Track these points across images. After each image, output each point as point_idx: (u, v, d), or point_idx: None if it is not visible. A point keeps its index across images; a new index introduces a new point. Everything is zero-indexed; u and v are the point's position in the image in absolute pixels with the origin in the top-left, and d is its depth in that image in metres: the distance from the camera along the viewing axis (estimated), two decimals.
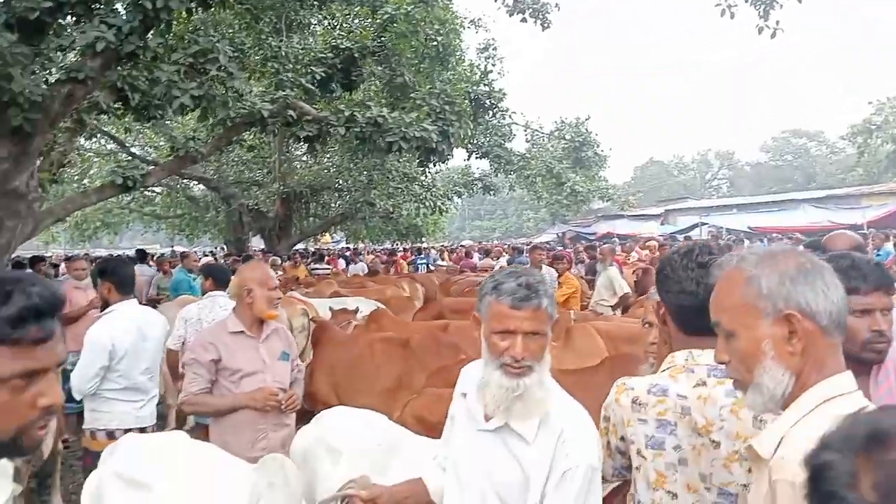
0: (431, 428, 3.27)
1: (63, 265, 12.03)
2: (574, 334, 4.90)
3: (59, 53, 8.14)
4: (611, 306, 8.80)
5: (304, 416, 3.42)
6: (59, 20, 7.59)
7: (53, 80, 7.41)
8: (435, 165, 12.78)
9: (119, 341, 3.69)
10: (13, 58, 6.80)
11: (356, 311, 6.52)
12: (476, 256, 20.18)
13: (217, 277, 5.34)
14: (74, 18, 7.56)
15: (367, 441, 2.88)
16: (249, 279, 3.42)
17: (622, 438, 1.86)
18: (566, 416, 1.79)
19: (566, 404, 1.83)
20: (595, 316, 7.48)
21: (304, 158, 20.44)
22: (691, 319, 1.78)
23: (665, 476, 1.76)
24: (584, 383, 3.20)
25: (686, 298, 1.78)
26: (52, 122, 7.80)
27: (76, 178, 19.30)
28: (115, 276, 3.87)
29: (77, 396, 3.82)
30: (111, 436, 3.49)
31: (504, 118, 16.30)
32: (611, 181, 22.45)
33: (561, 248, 20.14)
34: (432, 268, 18.42)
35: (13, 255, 9.64)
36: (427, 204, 18.34)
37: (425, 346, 5.15)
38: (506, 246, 22.99)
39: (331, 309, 6.63)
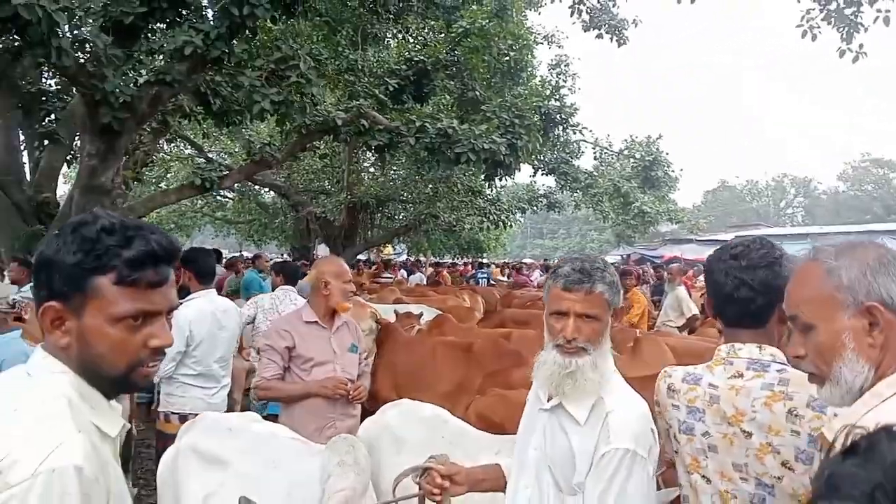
0: (494, 427, 3.28)
1: None
2: (643, 346, 4.83)
3: (149, 56, 8.54)
4: (677, 327, 8.61)
5: (366, 415, 3.48)
6: (151, 25, 8.00)
7: (142, 82, 7.77)
8: (501, 179, 12.79)
9: (197, 328, 3.85)
10: (107, 59, 7.19)
11: (420, 315, 6.59)
12: (537, 273, 20.06)
13: (287, 274, 5.52)
14: (165, 23, 7.95)
15: (430, 432, 2.91)
16: (327, 272, 3.53)
17: (667, 423, 1.95)
18: (618, 402, 1.82)
19: (622, 392, 1.87)
20: (663, 334, 7.33)
21: (372, 170, 20.81)
22: (724, 309, 1.85)
23: (698, 460, 1.83)
24: (650, 389, 3.15)
25: (718, 288, 1.83)
26: (138, 122, 8.19)
27: (155, 179, 20.13)
28: (197, 265, 4.04)
29: (154, 379, 3.98)
30: (184, 419, 3.63)
31: (573, 133, 16.21)
32: (679, 204, 22.01)
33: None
34: (493, 283, 18.41)
35: None
36: (491, 218, 18.34)
37: (487, 352, 5.16)
38: None
39: (396, 312, 6.71)
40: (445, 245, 24.72)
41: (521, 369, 4.42)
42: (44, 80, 10.70)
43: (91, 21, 7.31)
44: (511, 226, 21.84)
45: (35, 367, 1.17)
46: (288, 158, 11.88)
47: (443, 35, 12.71)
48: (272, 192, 21.95)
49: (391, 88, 11.09)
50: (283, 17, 7.74)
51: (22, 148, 10.39)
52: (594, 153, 17.82)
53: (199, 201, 23.00)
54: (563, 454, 1.82)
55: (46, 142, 10.18)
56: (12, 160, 9.82)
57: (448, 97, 13.24)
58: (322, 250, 24.25)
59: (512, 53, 12.83)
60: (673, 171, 17.36)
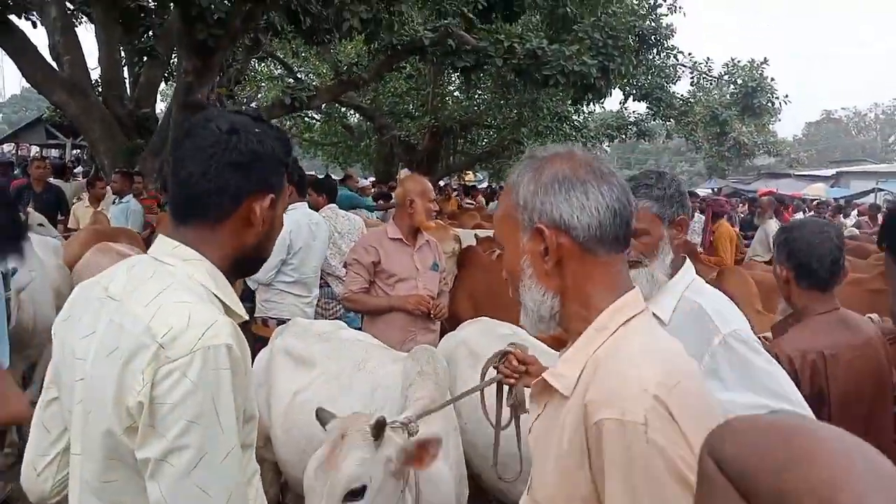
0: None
1: None
2: (726, 278, 4.67)
3: None
4: (765, 261, 8.27)
5: (444, 333, 3.56)
6: None
7: None
8: (590, 104, 12.40)
9: (296, 237, 4.05)
10: None
11: None
12: None
13: (329, 192, 5.57)
14: None
15: (505, 348, 2.95)
16: (412, 190, 3.57)
17: None
18: (703, 297, 1.81)
19: (703, 289, 1.85)
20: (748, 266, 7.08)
21: (457, 94, 20.52)
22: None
23: None
24: None
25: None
26: (232, 38, 8.35)
27: (246, 99, 20.57)
28: (295, 179, 4.18)
29: (252, 286, 4.22)
30: (280, 324, 3.82)
31: (669, 58, 15.40)
32: (779, 136, 20.79)
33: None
34: None
35: None
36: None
37: None
38: None
39: (476, 237, 6.74)
40: None
41: None
42: None
43: None
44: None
45: (166, 254, 1.23)
46: (375, 78, 11.87)
47: None
48: (358, 115, 22.08)
49: (480, 6, 10.78)
50: None
51: (122, 63, 10.77)
52: (691, 78, 16.88)
53: (288, 122, 23.41)
54: None
55: (145, 58, 10.53)
56: (114, 75, 10.22)
57: (539, 16, 12.76)
58: (404, 174, 24.45)
59: None
60: (777, 97, 16.28)
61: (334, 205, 5.49)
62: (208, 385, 1.08)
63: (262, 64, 18.98)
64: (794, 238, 2.19)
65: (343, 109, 22.19)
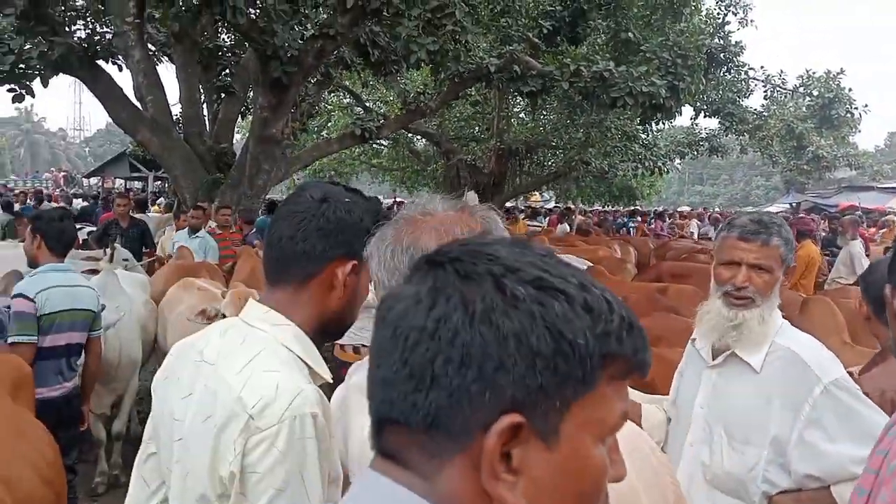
0: (645, 385, 3.20)
1: None
2: (811, 307, 4.48)
3: (313, 10, 8.91)
4: (849, 284, 7.89)
5: None
6: None
7: (308, 36, 8.14)
8: (659, 123, 12.20)
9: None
10: (276, 15, 7.60)
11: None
12: (695, 223, 19.05)
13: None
14: None
15: None
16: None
17: None
18: (799, 341, 1.80)
19: (795, 335, 1.83)
20: (835, 291, 6.77)
21: (522, 115, 20.54)
22: None
23: None
24: None
25: None
26: (305, 75, 8.64)
27: (317, 128, 21.15)
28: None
29: None
30: (357, 350, 3.87)
31: (740, 74, 15.02)
32: (860, 147, 19.91)
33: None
34: (646, 232, 17.74)
35: (266, 197, 10.91)
36: (646, 164, 17.57)
37: (641, 307, 5.02)
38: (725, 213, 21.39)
39: None
40: (596, 192, 24.08)
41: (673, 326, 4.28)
42: (220, 36, 11.47)
43: None
44: (668, 172, 20.86)
45: (257, 319, 1.29)
46: (441, 107, 12.03)
47: None
48: (424, 140, 22.39)
49: (545, 31, 10.82)
50: None
51: (201, 101, 11.26)
52: (764, 91, 16.39)
53: (357, 149, 23.92)
54: (738, 407, 1.79)
55: (223, 95, 11.00)
56: (194, 113, 10.70)
57: (603, 37, 12.71)
58: (471, 197, 24.46)
59: None
60: (856, 108, 15.61)
61: None
62: (295, 454, 1.12)
63: (332, 94, 19.49)
64: (873, 270, 2.15)
65: (409, 135, 22.56)
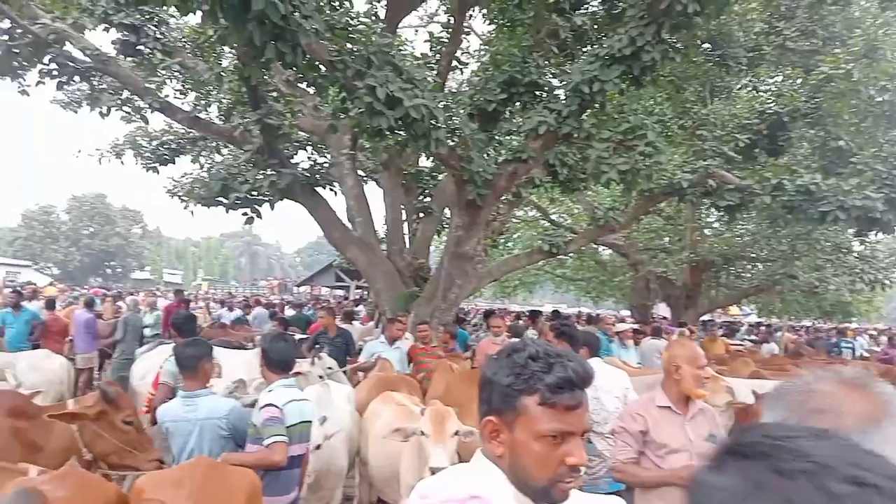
0: None
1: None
2: None
3: (506, 137, 9.44)
4: None
5: None
6: (510, 108, 8.86)
7: (501, 160, 8.61)
8: (875, 236, 11.14)
9: None
10: (473, 143, 8.15)
11: None
12: None
13: (589, 346, 5.18)
14: (521, 106, 8.74)
15: None
16: (679, 356, 3.44)
17: None
18: None
19: None
20: None
21: (717, 226, 19.74)
22: None
23: None
24: None
25: None
26: (497, 196, 9.08)
27: (504, 243, 21.82)
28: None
29: None
30: None
31: None
32: None
33: None
34: (865, 354, 15.81)
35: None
36: (864, 278, 15.91)
37: None
38: None
39: (754, 392, 6.16)
40: (804, 307, 22.15)
41: None
42: (420, 162, 12.49)
43: (461, 111, 8.38)
44: (890, 286, 18.71)
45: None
46: (631, 222, 11.97)
47: (800, 82, 11.71)
48: (611, 251, 22.19)
49: (741, 144, 10.52)
50: (631, 87, 7.94)
51: (403, 220, 12.19)
52: None
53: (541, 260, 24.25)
54: None
55: (421, 214, 11.84)
56: (396, 231, 11.60)
57: (806, 147, 12.07)
58: (662, 310, 23.60)
59: (886, 96, 11.21)
60: None
61: (598, 358, 5.31)
62: None
63: (520, 209, 20.16)
64: None
65: (595, 246, 22.49)
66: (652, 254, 19.64)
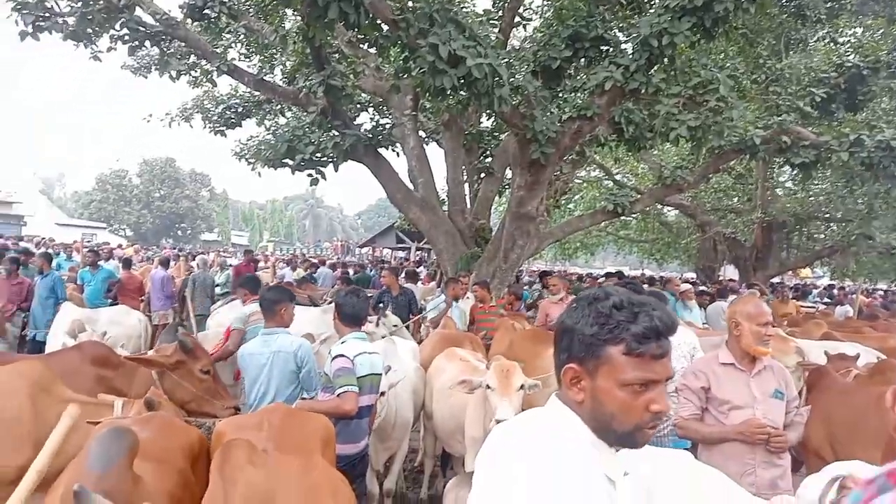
0: None
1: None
2: None
3: (571, 94, 9.25)
4: None
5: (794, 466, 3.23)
6: (574, 64, 8.67)
7: (565, 118, 8.45)
8: None
9: None
10: (537, 100, 8.04)
11: (856, 357, 5.79)
12: None
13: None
14: (586, 61, 8.53)
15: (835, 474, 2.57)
16: (739, 312, 3.40)
17: None
18: None
19: None
20: None
21: (790, 185, 19.00)
22: None
23: None
24: None
25: None
26: (561, 155, 8.95)
27: (564, 202, 21.54)
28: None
29: None
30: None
31: None
32: None
33: None
34: None
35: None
36: None
37: None
38: None
39: (826, 353, 6.02)
40: (879, 269, 21.22)
41: None
42: (481, 122, 12.40)
43: (524, 68, 8.26)
44: None
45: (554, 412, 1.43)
46: (700, 181, 11.64)
47: (882, 33, 11.04)
48: (676, 211, 21.66)
49: (817, 98, 10.03)
50: (702, 41, 7.65)
51: (464, 181, 12.18)
52: None
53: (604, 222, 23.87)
54: None
55: (483, 175, 11.79)
56: (457, 192, 11.61)
57: (888, 102, 11.43)
58: (729, 272, 23.01)
59: None
60: None
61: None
62: None
63: (582, 170, 19.82)
64: None
65: (660, 207, 21.96)
66: (720, 214, 19.08)
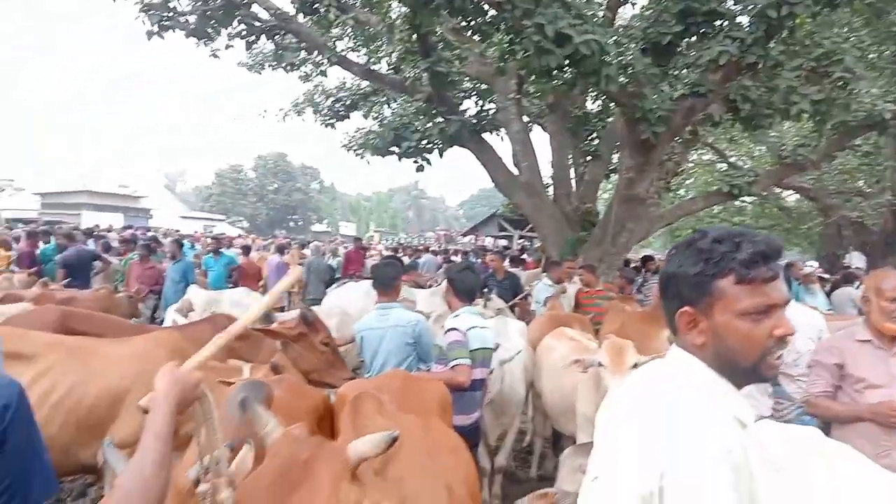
0: None
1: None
2: None
3: (683, 70, 8.93)
4: None
5: None
6: (686, 40, 8.35)
7: (677, 96, 8.16)
8: None
9: None
10: (646, 78, 7.81)
11: None
12: None
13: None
14: (699, 37, 8.20)
15: None
16: (869, 287, 3.27)
17: None
18: None
19: None
20: None
21: None
22: None
23: None
24: None
25: None
26: (672, 134, 8.66)
27: (676, 185, 20.77)
28: None
29: None
30: None
31: None
32: None
33: None
34: None
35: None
36: None
37: None
38: None
39: None
40: None
41: None
42: (587, 104, 12.18)
43: (633, 46, 8.04)
44: None
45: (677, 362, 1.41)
46: (823, 160, 10.94)
47: None
48: (797, 195, 20.45)
49: None
50: (825, 11, 7.19)
51: (569, 164, 12.03)
52: None
53: (717, 206, 22.86)
54: None
55: (589, 158, 11.60)
56: (562, 176, 11.49)
57: None
58: (855, 259, 21.49)
59: None
60: None
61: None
62: None
63: (693, 151, 19.06)
64: None
65: (778, 190, 20.78)
66: (845, 197, 17.84)
